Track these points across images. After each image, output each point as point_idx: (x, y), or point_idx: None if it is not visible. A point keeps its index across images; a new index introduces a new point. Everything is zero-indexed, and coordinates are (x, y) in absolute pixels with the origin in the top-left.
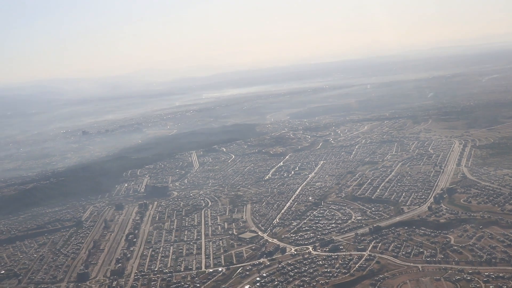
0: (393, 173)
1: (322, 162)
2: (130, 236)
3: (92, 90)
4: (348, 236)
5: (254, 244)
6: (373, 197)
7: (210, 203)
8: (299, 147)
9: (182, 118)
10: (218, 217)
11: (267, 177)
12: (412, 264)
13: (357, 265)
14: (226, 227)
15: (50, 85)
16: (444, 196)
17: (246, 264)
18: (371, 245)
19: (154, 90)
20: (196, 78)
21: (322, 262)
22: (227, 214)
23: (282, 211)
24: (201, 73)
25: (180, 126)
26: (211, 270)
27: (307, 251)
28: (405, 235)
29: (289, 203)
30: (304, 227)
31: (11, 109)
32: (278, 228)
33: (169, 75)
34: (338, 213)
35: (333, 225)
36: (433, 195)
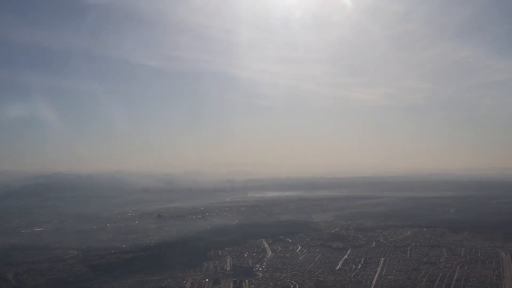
0: (456, 273)
1: (383, 258)
2: None
3: (151, 183)
4: None
5: None
6: None
7: (297, 286)
8: (357, 244)
9: (239, 211)
10: None
11: (337, 267)
12: None
13: None
14: None
15: (117, 176)
16: None
17: None
18: None
19: (203, 187)
20: (235, 181)
21: None
22: None
23: None
24: (238, 177)
25: (240, 218)
26: None
27: None
28: None
29: None
30: None
31: (90, 191)
32: None
33: (211, 176)
34: None
35: None
36: None
